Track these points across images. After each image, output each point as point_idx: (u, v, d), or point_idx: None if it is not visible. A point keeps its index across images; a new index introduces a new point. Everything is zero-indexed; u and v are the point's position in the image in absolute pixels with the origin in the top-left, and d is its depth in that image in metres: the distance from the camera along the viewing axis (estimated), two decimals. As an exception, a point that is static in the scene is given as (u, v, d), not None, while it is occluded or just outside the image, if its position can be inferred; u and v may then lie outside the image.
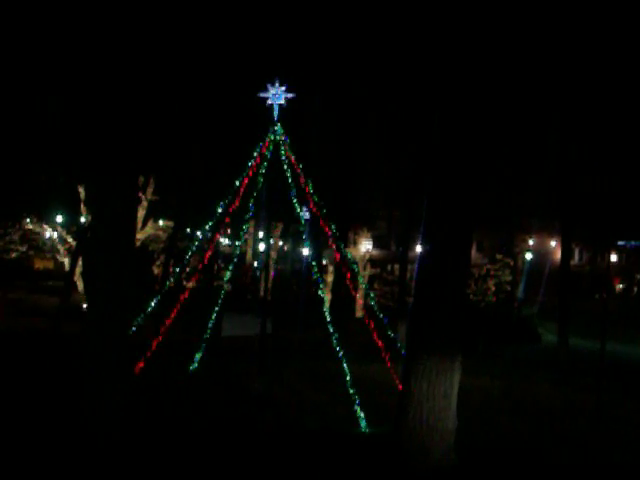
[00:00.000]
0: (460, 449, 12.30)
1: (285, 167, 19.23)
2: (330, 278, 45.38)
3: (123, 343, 12.11)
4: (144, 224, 43.85)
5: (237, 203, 18.53)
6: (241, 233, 19.05)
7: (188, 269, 35.17)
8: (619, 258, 66.83)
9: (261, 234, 34.35)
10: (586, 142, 38.97)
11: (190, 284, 21.40)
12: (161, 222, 48.41)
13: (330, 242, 20.56)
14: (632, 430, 17.07)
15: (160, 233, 48.41)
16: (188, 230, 47.23)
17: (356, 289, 45.79)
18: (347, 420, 16.25)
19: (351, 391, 16.46)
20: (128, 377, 13.03)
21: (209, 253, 20.86)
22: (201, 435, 14.35)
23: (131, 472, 11.54)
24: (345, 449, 13.67)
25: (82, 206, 38.36)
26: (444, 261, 12.01)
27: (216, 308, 16.87)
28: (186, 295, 20.10)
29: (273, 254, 32.82)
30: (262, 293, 20.82)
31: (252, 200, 18.72)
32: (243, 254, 47.31)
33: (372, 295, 23.92)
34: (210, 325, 16.79)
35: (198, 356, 18.48)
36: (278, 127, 19.17)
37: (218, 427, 14.93)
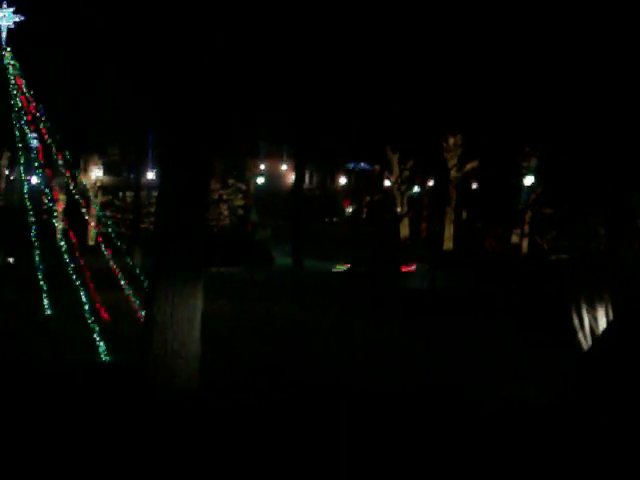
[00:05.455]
0: (205, 374, 12.29)
1: (15, 93, 17.93)
2: (62, 207, 43.69)
3: None
4: None
5: None
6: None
7: None
8: (348, 180, 68.72)
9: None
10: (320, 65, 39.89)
11: None
12: None
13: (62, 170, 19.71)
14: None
15: None
16: None
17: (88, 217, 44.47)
18: (89, 350, 15.77)
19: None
20: None
21: None
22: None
23: None
24: (86, 379, 13.19)
25: None
26: (183, 191, 11.87)
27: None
28: None
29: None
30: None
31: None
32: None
33: (109, 223, 23.33)
34: None
35: None
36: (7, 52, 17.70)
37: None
